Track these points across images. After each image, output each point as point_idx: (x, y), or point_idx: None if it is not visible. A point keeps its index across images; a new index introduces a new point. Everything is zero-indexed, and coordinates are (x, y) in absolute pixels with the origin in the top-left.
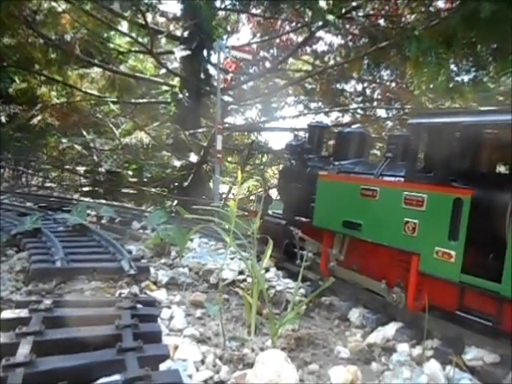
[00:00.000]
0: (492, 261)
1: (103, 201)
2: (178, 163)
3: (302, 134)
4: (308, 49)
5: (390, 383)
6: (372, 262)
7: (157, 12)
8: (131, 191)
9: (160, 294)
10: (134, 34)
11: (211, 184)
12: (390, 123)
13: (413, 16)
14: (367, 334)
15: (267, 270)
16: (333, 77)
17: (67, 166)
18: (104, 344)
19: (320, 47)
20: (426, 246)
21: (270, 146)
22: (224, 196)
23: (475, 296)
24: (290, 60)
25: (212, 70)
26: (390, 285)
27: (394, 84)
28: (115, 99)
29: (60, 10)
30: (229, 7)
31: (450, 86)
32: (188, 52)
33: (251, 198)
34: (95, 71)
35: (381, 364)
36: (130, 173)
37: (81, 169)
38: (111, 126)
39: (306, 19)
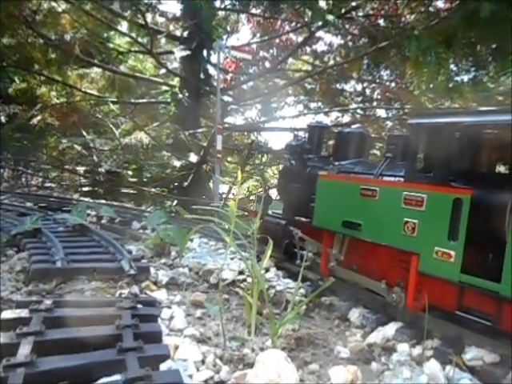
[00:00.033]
0: (491, 261)
1: (103, 201)
2: (177, 163)
3: (301, 134)
4: (308, 49)
5: (390, 383)
6: (372, 262)
7: (156, 12)
8: (131, 191)
9: (160, 294)
10: (133, 34)
11: (211, 184)
12: (389, 123)
13: (412, 16)
14: (367, 334)
15: (267, 270)
16: (332, 77)
17: (67, 166)
18: (104, 344)
19: (320, 47)
20: (425, 246)
21: (269, 146)
22: (224, 196)
23: (475, 296)
24: (290, 60)
25: (212, 70)
26: (390, 285)
27: (393, 84)
28: (115, 99)
29: (60, 10)
30: (228, 7)
31: (450, 85)
32: (188, 52)
33: (251, 198)
34: (95, 71)
35: (381, 364)
36: (130, 173)
37: (81, 169)
38: (111, 126)
39: (306, 19)
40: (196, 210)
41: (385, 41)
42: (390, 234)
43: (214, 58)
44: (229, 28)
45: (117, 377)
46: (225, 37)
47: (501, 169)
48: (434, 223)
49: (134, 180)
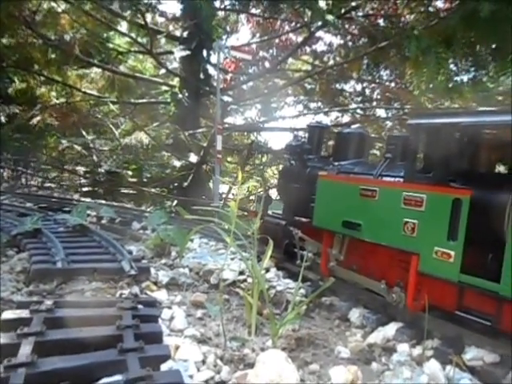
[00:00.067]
0: (491, 261)
1: (103, 201)
2: (177, 163)
3: (301, 134)
4: (307, 49)
5: (390, 383)
6: (372, 262)
7: (156, 12)
8: (131, 191)
9: (160, 295)
10: (133, 34)
11: (211, 184)
12: (389, 123)
13: (412, 16)
14: (367, 334)
15: (267, 270)
16: (332, 77)
17: (67, 167)
18: (105, 344)
19: (319, 47)
20: (425, 246)
21: (269, 146)
22: (224, 196)
23: (474, 296)
24: (290, 60)
25: (211, 70)
26: (390, 285)
27: (393, 84)
28: (115, 99)
29: (59, 10)
30: (228, 7)
31: (450, 85)
32: (187, 52)
33: (251, 198)
34: (95, 71)
35: (381, 364)
36: (130, 173)
37: (80, 169)
38: (111, 126)
39: (306, 19)
40: (196, 211)
41: (384, 41)
42: (389, 234)
43: (213, 58)
44: (228, 28)
45: (118, 377)
46: (224, 37)
47: (500, 169)
48: (433, 223)
49: (134, 180)
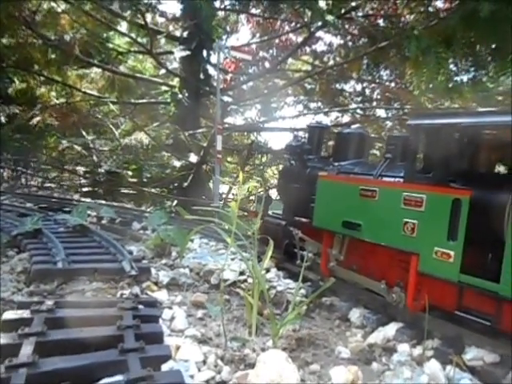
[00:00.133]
0: (490, 261)
1: (103, 201)
2: (177, 163)
3: (301, 134)
4: (307, 49)
5: (390, 383)
6: (372, 262)
7: (156, 12)
8: (131, 191)
9: (161, 295)
10: (133, 35)
11: (211, 184)
12: (389, 123)
13: (412, 16)
14: (368, 335)
15: (268, 270)
16: (332, 77)
17: (67, 167)
18: (106, 345)
19: (319, 47)
20: (425, 246)
21: (269, 146)
22: (224, 196)
23: (474, 296)
24: (290, 60)
25: (212, 71)
26: (390, 285)
27: (393, 84)
28: (115, 99)
29: (59, 10)
30: (228, 7)
31: (450, 85)
32: (187, 52)
33: (251, 198)
34: (95, 71)
35: (381, 364)
36: (130, 173)
37: (80, 169)
38: (111, 126)
39: (306, 19)
40: (196, 211)
41: (384, 41)
42: (389, 234)
43: (213, 59)
44: (228, 28)
45: (119, 377)
46: (224, 37)
47: (500, 169)
48: (433, 223)
49: (134, 180)
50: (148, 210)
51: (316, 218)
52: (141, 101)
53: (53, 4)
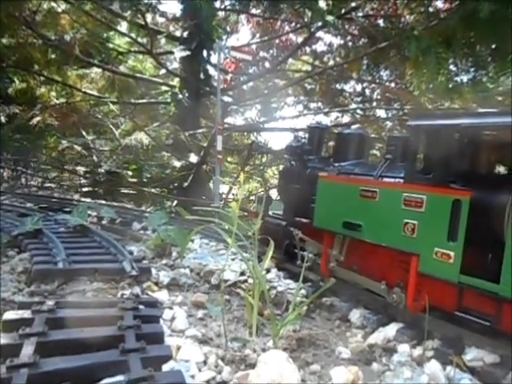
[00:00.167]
0: (490, 261)
1: (103, 201)
2: (177, 164)
3: (301, 134)
4: (307, 49)
5: (390, 383)
6: (372, 263)
7: (156, 12)
8: (131, 192)
9: (162, 295)
10: (133, 35)
11: (211, 184)
12: (389, 123)
13: (412, 16)
14: (368, 335)
15: (268, 270)
16: (332, 77)
17: (67, 167)
18: (107, 345)
19: (319, 47)
20: (425, 247)
21: (269, 146)
22: (224, 196)
23: (474, 296)
24: (290, 60)
25: (212, 71)
26: (390, 285)
27: (393, 84)
28: (115, 99)
29: (59, 10)
30: (228, 7)
31: (450, 86)
32: (188, 52)
33: (251, 198)
34: (95, 71)
35: (382, 364)
36: (130, 173)
37: (80, 169)
38: (111, 126)
39: (306, 19)
40: (196, 211)
41: (384, 41)
42: (389, 234)
43: (213, 59)
44: (229, 28)
45: (120, 377)
46: (225, 37)
47: (500, 169)
48: (433, 224)
49: (134, 180)
50: (148, 210)
51: (316, 218)
52: (141, 101)
53: (53, 4)
